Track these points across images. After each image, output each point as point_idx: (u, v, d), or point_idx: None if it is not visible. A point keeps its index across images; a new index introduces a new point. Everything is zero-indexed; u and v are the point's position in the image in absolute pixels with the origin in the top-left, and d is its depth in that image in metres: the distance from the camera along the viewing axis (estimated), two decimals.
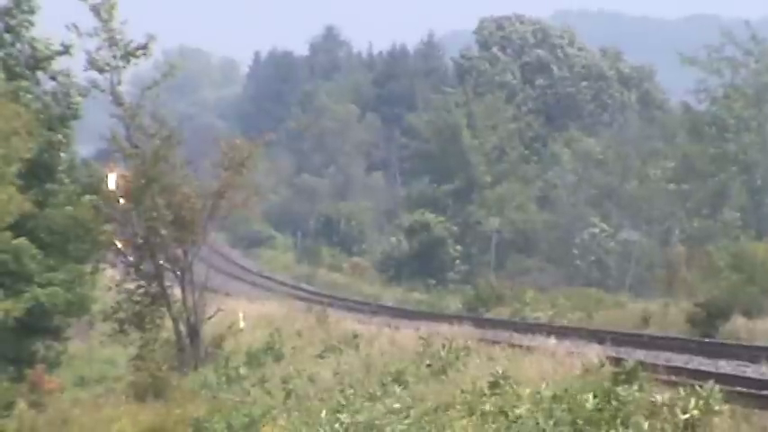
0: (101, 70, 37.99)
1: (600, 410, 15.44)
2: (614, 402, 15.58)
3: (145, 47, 38.43)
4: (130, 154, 37.55)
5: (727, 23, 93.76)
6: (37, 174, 36.60)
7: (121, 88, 38.52)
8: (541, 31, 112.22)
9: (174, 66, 41.40)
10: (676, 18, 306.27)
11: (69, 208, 37.46)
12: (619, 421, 15.27)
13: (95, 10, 37.66)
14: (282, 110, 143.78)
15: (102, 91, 38.29)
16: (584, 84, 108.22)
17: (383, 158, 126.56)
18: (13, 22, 38.57)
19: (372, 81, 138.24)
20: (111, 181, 36.77)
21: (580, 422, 15.30)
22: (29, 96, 37.72)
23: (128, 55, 38.02)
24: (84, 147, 40.28)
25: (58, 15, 39.81)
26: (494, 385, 18.83)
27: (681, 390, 16.33)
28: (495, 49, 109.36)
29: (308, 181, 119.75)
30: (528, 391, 17.68)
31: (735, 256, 45.61)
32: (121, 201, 36.91)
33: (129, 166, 37.91)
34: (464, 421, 16.77)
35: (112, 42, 37.82)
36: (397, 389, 21.35)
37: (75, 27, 37.69)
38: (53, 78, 39.44)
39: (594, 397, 15.65)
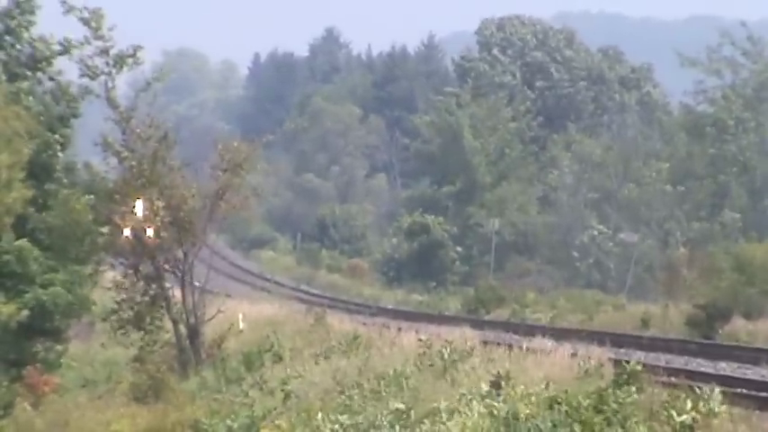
0: (94, 76, 38.39)
1: (599, 412, 15.42)
2: (614, 404, 15.56)
3: (133, 55, 38.88)
4: (126, 157, 37.61)
5: (728, 25, 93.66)
6: (36, 174, 36.53)
7: (117, 92, 38.93)
8: (542, 33, 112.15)
9: (163, 70, 41.92)
10: (676, 19, 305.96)
11: (69, 209, 37.38)
12: (618, 423, 15.25)
13: (85, 20, 38.28)
14: (283, 111, 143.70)
15: (98, 96, 38.59)
16: (583, 85, 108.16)
17: (384, 160, 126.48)
18: (13, 24, 38.68)
19: (372, 83, 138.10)
20: (139, 209, 36.57)
21: (579, 424, 15.28)
22: (30, 98, 37.77)
23: (120, 62, 38.45)
24: (95, 156, 40.35)
25: (48, 19, 39.99)
26: (494, 387, 18.81)
27: (680, 392, 16.34)
28: (495, 51, 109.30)
29: (310, 182, 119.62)
30: (528, 392, 17.66)
31: (736, 257, 45.55)
32: (149, 232, 36.63)
33: (126, 169, 37.95)
34: (464, 423, 16.74)
35: (104, 50, 38.28)
36: (398, 390, 21.32)
37: (69, 41, 38.47)
38: (52, 79, 39.63)
39: (594, 399, 15.63)
